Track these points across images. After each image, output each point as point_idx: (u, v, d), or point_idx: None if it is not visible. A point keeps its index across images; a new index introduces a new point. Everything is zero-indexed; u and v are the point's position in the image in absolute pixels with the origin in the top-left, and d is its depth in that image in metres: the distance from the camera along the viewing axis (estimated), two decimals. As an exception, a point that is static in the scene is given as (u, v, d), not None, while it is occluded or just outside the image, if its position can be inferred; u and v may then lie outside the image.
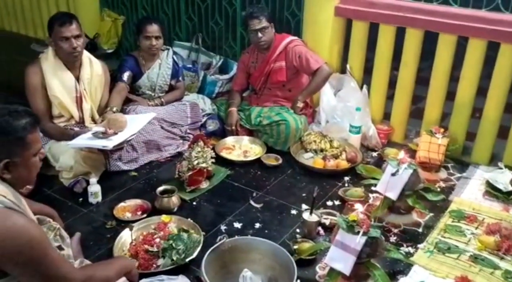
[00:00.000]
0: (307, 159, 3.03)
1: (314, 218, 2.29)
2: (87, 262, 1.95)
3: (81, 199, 2.59)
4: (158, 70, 3.26)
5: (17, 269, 1.27)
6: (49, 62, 2.75)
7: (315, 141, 3.09)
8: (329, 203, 2.62)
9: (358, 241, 1.77)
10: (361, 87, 3.32)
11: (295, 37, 3.26)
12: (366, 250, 1.80)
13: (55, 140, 2.77)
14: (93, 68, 2.91)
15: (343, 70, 3.46)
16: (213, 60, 3.87)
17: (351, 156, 2.98)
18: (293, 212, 2.54)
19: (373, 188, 2.60)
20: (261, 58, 3.27)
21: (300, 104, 3.19)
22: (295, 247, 2.17)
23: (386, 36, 3.15)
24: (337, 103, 3.31)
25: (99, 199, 2.57)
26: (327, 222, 2.36)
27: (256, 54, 3.31)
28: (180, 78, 3.41)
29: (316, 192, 2.28)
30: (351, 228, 1.81)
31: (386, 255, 1.97)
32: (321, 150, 3.05)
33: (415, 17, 2.98)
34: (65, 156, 2.64)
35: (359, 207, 2.04)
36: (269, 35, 3.14)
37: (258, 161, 3.02)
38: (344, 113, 3.26)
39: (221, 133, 3.33)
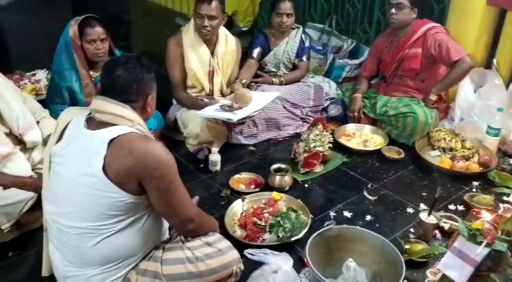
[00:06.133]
0: (433, 156, 2.82)
1: (432, 219, 2.13)
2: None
3: (202, 166, 2.75)
4: (285, 48, 3.27)
5: (153, 183, 1.46)
6: (189, 35, 2.92)
7: (445, 139, 2.86)
8: (452, 206, 2.42)
9: (479, 252, 1.61)
10: (507, 86, 2.98)
11: (437, 24, 3.02)
12: (487, 263, 1.63)
13: (186, 108, 2.96)
14: (228, 44, 3.03)
15: (487, 66, 3.14)
16: (344, 44, 3.77)
17: (484, 160, 2.70)
18: (409, 210, 2.40)
19: (505, 198, 2.36)
20: (396, 42, 3.09)
21: (433, 97, 2.96)
22: (407, 246, 2.06)
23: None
24: (476, 101, 3.02)
25: (218, 167, 2.70)
26: (446, 226, 2.18)
27: (391, 39, 3.14)
28: (304, 58, 3.37)
29: (438, 193, 2.11)
30: (473, 236, 1.65)
31: (510, 272, 1.76)
32: (451, 149, 2.82)
33: None
34: (193, 124, 2.81)
35: (486, 216, 1.85)
36: (404, 16, 2.94)
37: (378, 152, 2.90)
38: (482, 112, 2.95)
39: (342, 120, 3.25)
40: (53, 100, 2.68)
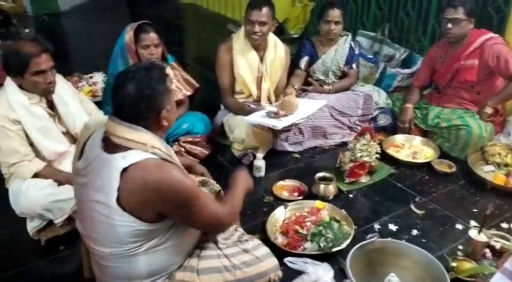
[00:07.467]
0: (487, 172, 2.70)
1: (482, 237, 2.04)
2: (241, 230, 2.05)
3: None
4: (333, 56, 3.25)
5: (174, 210, 1.45)
6: (239, 41, 2.96)
7: (499, 154, 2.73)
8: (505, 225, 2.31)
9: (532, 276, 1.52)
10: None
11: (496, 35, 2.88)
12: (542, 289, 1.53)
13: (233, 113, 3.00)
14: (277, 51, 3.04)
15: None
16: (396, 52, 3.68)
17: (543, 177, 2.56)
18: (458, 226, 2.31)
19: None
20: (451, 53, 2.97)
21: (489, 110, 2.84)
22: (454, 264, 1.98)
23: None
24: (535, 115, 2.86)
25: (262, 173, 2.72)
26: (497, 246, 2.08)
27: (446, 49, 3.02)
28: (354, 66, 3.31)
29: (490, 210, 2.02)
30: (527, 258, 1.56)
31: None
32: (506, 165, 2.69)
33: None
34: (239, 129, 2.85)
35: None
36: (461, 29, 2.82)
37: (427, 165, 2.81)
38: (542, 128, 2.80)
39: (392, 130, 3.18)
40: (108, 102, 2.78)
